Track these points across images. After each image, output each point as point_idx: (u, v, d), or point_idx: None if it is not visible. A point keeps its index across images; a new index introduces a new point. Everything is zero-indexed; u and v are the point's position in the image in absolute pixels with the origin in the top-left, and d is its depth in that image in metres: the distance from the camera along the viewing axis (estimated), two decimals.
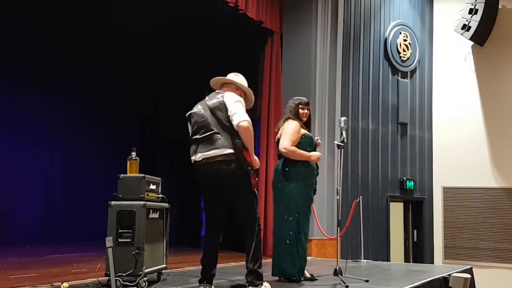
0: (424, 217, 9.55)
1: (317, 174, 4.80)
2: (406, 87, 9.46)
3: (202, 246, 3.90)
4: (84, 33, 8.34)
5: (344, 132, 4.72)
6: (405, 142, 9.35)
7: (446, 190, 9.62)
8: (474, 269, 6.36)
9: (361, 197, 7.74)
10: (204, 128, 3.78)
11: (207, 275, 3.80)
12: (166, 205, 4.49)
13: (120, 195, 4.08)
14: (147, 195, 4.16)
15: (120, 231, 3.96)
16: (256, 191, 3.86)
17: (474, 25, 9.18)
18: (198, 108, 3.91)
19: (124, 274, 3.83)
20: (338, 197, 4.81)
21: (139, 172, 4.21)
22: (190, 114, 3.97)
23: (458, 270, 5.76)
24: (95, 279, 4.08)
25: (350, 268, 5.05)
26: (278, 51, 8.14)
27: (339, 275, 4.51)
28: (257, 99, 7.88)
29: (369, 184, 8.58)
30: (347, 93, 8.35)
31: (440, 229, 9.58)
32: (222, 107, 3.76)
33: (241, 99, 3.84)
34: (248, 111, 3.89)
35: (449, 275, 5.16)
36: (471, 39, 9.36)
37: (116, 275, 3.72)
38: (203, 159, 3.74)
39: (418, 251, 9.47)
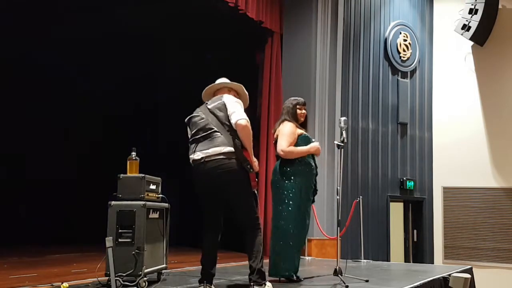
0: (424, 217, 9.55)
1: (316, 174, 4.79)
2: (406, 87, 9.46)
3: (202, 246, 3.87)
4: (84, 33, 8.33)
5: (344, 132, 4.71)
6: (405, 142, 9.35)
7: (446, 190, 9.62)
8: (474, 269, 6.36)
9: (361, 197, 7.74)
10: (204, 128, 3.80)
11: (207, 275, 3.79)
12: (166, 205, 4.49)
13: (120, 195, 4.08)
14: (147, 195, 4.16)
15: (120, 231, 3.95)
16: (256, 192, 3.86)
17: (474, 25, 9.18)
18: (198, 112, 3.93)
19: (124, 274, 3.83)
20: (338, 197, 4.81)
21: (139, 172, 4.21)
22: (189, 118, 3.98)
23: (458, 270, 5.75)
24: (95, 279, 4.08)
25: (350, 268, 5.05)
26: (278, 51, 8.14)
27: (339, 275, 4.51)
28: (257, 99, 7.89)
29: (369, 184, 8.58)
30: (347, 93, 8.35)
31: (440, 229, 9.59)
32: (222, 107, 3.79)
33: (240, 101, 3.87)
34: (247, 110, 3.90)
35: (449, 275, 5.16)
36: (471, 39, 9.36)
37: (116, 275, 3.72)
38: (202, 157, 3.73)
39: (418, 251, 9.47)
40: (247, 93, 4.15)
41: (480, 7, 9.12)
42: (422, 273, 5.55)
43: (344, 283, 4.32)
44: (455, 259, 9.20)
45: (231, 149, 3.68)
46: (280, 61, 8.14)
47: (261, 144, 7.71)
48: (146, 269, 3.95)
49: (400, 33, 9.41)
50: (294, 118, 4.72)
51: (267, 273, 4.44)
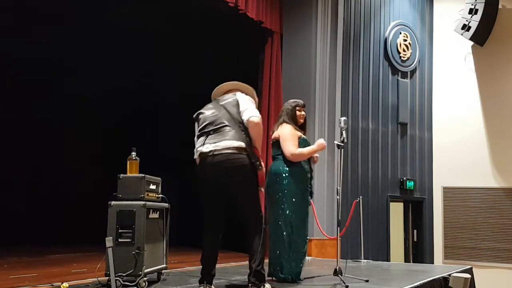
0: (424, 217, 9.55)
1: (312, 177, 4.77)
2: (406, 87, 9.46)
3: (202, 246, 3.84)
4: (84, 33, 8.33)
5: (344, 132, 4.70)
6: (405, 142, 9.35)
7: (446, 190, 9.62)
8: (474, 269, 6.35)
9: (361, 197, 7.74)
10: (215, 122, 3.75)
11: (207, 275, 3.76)
12: (166, 205, 4.49)
13: (120, 195, 4.07)
14: (147, 195, 4.16)
15: (120, 231, 3.95)
16: (263, 190, 3.85)
17: (474, 25, 9.19)
18: (208, 107, 3.90)
19: (124, 274, 3.83)
20: (338, 197, 4.80)
21: (139, 172, 4.21)
22: (198, 113, 3.93)
23: (458, 270, 5.75)
24: (95, 279, 4.07)
25: (350, 268, 5.06)
26: (278, 51, 8.14)
27: (339, 275, 4.50)
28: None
29: (369, 184, 8.58)
30: (347, 93, 8.35)
31: (440, 229, 9.59)
32: (235, 103, 3.78)
33: (253, 100, 3.86)
34: None
35: (449, 275, 5.16)
36: (471, 39, 9.36)
37: (116, 275, 3.72)
38: (210, 150, 3.66)
39: (418, 251, 9.47)
40: (257, 98, 4.14)
41: (480, 7, 9.13)
42: (422, 273, 5.55)
43: (344, 283, 4.31)
44: (455, 259, 9.20)
45: (242, 144, 3.65)
46: (280, 61, 8.14)
47: (261, 144, 7.69)
48: (146, 269, 3.95)
49: (400, 33, 9.41)
50: (293, 120, 4.70)
51: (266, 274, 4.44)
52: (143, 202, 4.02)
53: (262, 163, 3.82)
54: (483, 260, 9.07)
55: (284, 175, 4.54)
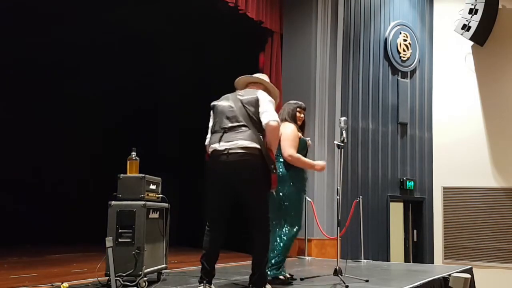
0: (424, 217, 9.55)
1: (306, 178, 4.77)
2: (406, 87, 9.46)
3: (203, 245, 3.80)
4: (84, 33, 8.33)
5: (344, 132, 4.71)
6: (405, 142, 9.35)
7: (446, 190, 9.63)
8: (474, 269, 6.36)
9: (361, 197, 7.75)
10: (232, 119, 3.70)
11: (206, 275, 3.73)
12: (166, 205, 4.49)
13: (120, 195, 4.07)
14: (147, 195, 4.16)
15: (120, 231, 3.95)
16: (274, 193, 3.83)
17: (474, 25, 9.19)
18: (228, 100, 3.83)
19: (124, 274, 3.83)
20: (338, 197, 4.81)
21: (139, 172, 4.21)
22: (215, 104, 3.87)
23: (458, 270, 5.76)
24: (95, 279, 4.07)
25: (350, 268, 5.06)
26: (278, 51, 8.14)
27: (339, 275, 4.51)
28: None
29: (369, 184, 8.59)
30: (347, 93, 8.35)
31: (440, 229, 9.59)
32: (254, 103, 3.72)
33: (273, 101, 3.82)
34: None
35: (449, 275, 5.16)
36: (471, 39, 9.37)
37: (116, 275, 3.72)
38: (225, 148, 3.61)
39: (418, 251, 9.47)
40: (278, 100, 4.14)
41: (480, 7, 9.13)
42: (422, 273, 5.55)
43: (344, 283, 4.31)
44: (455, 259, 9.21)
45: (257, 146, 3.60)
46: (280, 61, 8.14)
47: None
48: (146, 269, 3.95)
49: (400, 33, 9.41)
50: (293, 120, 4.70)
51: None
52: (143, 202, 4.02)
53: (276, 166, 3.80)
54: (483, 260, 9.07)
55: (284, 177, 4.48)
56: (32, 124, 8.50)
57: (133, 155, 4.22)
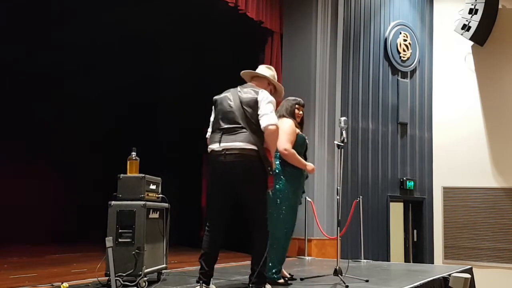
0: (424, 217, 9.56)
1: (306, 177, 4.70)
2: (406, 87, 9.46)
3: (202, 245, 3.82)
4: (84, 33, 8.33)
5: (344, 132, 4.70)
6: (405, 142, 9.35)
7: (446, 190, 9.63)
8: (474, 269, 6.36)
9: (361, 197, 7.75)
10: (231, 120, 3.72)
11: (205, 275, 3.75)
12: (166, 205, 4.49)
13: (120, 195, 4.07)
14: (147, 195, 4.16)
15: (120, 231, 3.95)
16: (270, 193, 3.83)
17: (474, 25, 9.19)
18: (228, 97, 3.83)
19: (124, 274, 3.83)
20: (338, 197, 4.80)
21: (139, 172, 4.21)
22: (217, 100, 3.89)
23: (458, 270, 5.76)
24: (95, 279, 4.07)
25: (350, 268, 5.05)
26: (278, 51, 8.14)
27: (339, 275, 4.51)
28: None
29: (369, 184, 8.59)
30: (347, 93, 8.35)
31: (440, 229, 9.59)
32: (254, 104, 3.72)
33: (274, 101, 3.80)
34: None
35: (449, 275, 5.16)
36: (471, 39, 9.37)
37: (116, 275, 3.72)
38: (223, 149, 3.65)
39: (418, 251, 9.47)
40: (283, 91, 4.17)
41: (480, 7, 9.13)
42: (422, 273, 5.55)
43: (344, 283, 4.31)
44: (455, 259, 9.21)
45: (254, 147, 3.63)
46: (280, 61, 8.14)
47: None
48: (146, 269, 3.95)
49: (400, 33, 9.41)
50: (291, 116, 4.65)
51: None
52: (143, 202, 4.02)
53: (273, 168, 3.83)
54: (483, 260, 9.07)
55: (281, 174, 4.44)
56: (32, 123, 8.50)
57: (133, 155, 4.22)
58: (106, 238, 3.75)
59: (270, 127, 3.64)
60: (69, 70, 8.73)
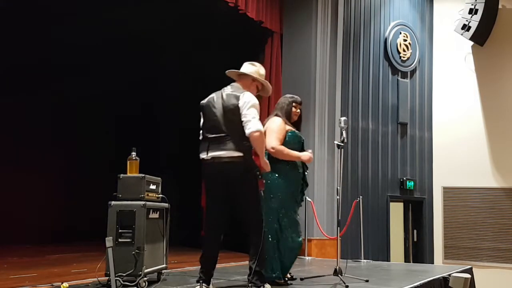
0: (424, 217, 9.55)
1: (305, 172, 4.57)
2: (406, 87, 9.46)
3: (202, 246, 3.86)
4: (84, 33, 8.33)
5: (344, 132, 4.69)
6: (405, 142, 9.35)
7: (446, 190, 9.62)
8: (474, 269, 6.36)
9: (361, 197, 7.74)
10: (216, 128, 3.79)
11: (205, 275, 3.79)
12: (166, 205, 4.49)
13: (120, 195, 4.07)
14: (147, 195, 4.16)
15: (120, 231, 3.95)
16: (262, 193, 3.86)
17: (474, 25, 9.19)
18: (212, 104, 3.87)
19: (124, 274, 3.83)
20: (338, 197, 4.80)
21: (139, 172, 4.21)
22: (203, 105, 3.94)
23: (458, 270, 5.76)
24: (95, 279, 4.07)
25: (350, 268, 5.06)
26: (278, 51, 8.14)
27: (339, 275, 4.51)
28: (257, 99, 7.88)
29: (369, 184, 8.59)
30: (347, 93, 8.35)
31: (440, 229, 9.59)
32: (236, 111, 3.75)
33: (257, 104, 3.80)
34: None
35: (449, 275, 5.16)
36: (471, 39, 9.37)
37: (116, 275, 3.72)
38: (212, 157, 3.75)
39: (418, 251, 9.47)
40: (270, 85, 4.17)
41: (480, 7, 9.13)
42: (422, 273, 5.55)
43: (344, 283, 4.31)
44: (455, 259, 9.21)
45: (240, 154, 3.70)
46: (280, 61, 8.14)
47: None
48: (146, 269, 3.95)
49: (400, 33, 9.41)
50: (287, 115, 4.60)
51: None
52: (143, 202, 4.02)
53: (267, 165, 3.91)
54: (483, 260, 9.07)
55: (272, 172, 4.33)
56: (32, 123, 8.50)
57: (133, 155, 4.22)
58: (106, 238, 3.75)
59: (254, 134, 3.68)
60: (69, 70, 8.72)
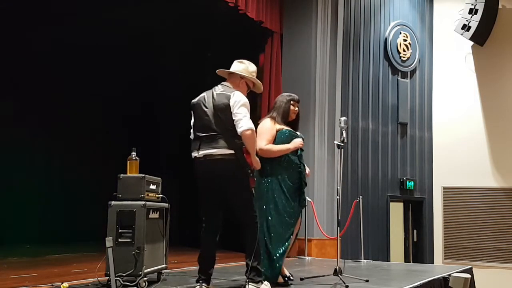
0: (424, 217, 9.55)
1: (302, 170, 4.47)
2: (406, 87, 9.46)
3: (200, 246, 3.90)
4: (84, 33, 8.33)
5: (344, 132, 4.69)
6: (405, 142, 9.35)
7: (446, 190, 9.62)
8: (474, 269, 6.36)
9: (361, 197, 7.75)
10: (207, 127, 3.81)
11: (204, 275, 3.82)
12: (166, 205, 4.49)
13: (120, 195, 4.08)
14: (147, 195, 4.16)
15: (120, 231, 3.96)
16: (253, 191, 3.88)
17: (474, 25, 9.19)
18: (203, 103, 3.89)
19: (124, 274, 3.83)
20: (338, 197, 4.80)
21: (139, 172, 4.21)
22: (194, 104, 3.97)
23: (458, 270, 5.76)
24: (95, 279, 4.08)
25: (350, 268, 5.05)
26: (278, 51, 8.14)
27: (339, 275, 4.51)
28: (257, 100, 7.88)
29: (369, 184, 8.59)
30: (347, 93, 8.35)
31: (440, 229, 9.59)
32: (227, 110, 3.77)
33: (247, 102, 3.82)
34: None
35: (449, 275, 5.16)
36: (471, 39, 9.37)
37: (116, 275, 3.72)
38: (204, 155, 3.77)
39: (418, 251, 9.47)
40: (260, 82, 4.16)
41: (480, 7, 9.13)
42: (422, 273, 5.55)
43: (344, 283, 4.32)
44: (455, 259, 9.21)
45: (232, 151, 3.72)
46: (280, 61, 8.14)
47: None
48: (146, 269, 3.95)
49: (400, 33, 9.41)
50: (285, 114, 4.54)
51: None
52: (143, 202, 4.02)
53: (258, 163, 3.91)
54: (483, 260, 9.07)
55: (267, 171, 4.34)
56: (32, 123, 8.49)
57: (133, 155, 4.22)
58: (106, 238, 3.75)
59: (246, 132, 3.70)
60: (68, 70, 8.72)
